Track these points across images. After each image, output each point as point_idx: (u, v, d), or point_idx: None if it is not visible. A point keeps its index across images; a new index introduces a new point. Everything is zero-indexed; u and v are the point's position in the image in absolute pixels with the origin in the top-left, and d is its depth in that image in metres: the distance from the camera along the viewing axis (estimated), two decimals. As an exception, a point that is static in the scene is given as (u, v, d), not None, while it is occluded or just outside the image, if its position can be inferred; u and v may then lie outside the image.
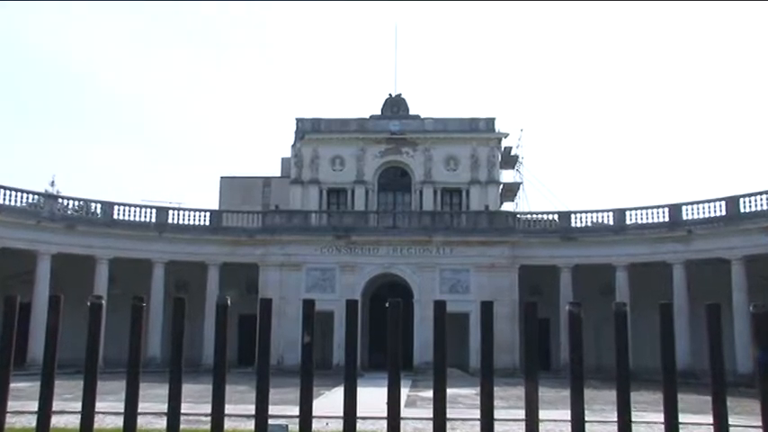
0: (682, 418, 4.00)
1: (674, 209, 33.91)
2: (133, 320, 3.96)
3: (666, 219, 33.98)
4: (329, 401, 15.26)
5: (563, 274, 34.97)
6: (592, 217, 36.57)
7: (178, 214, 36.62)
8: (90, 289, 30.89)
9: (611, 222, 35.76)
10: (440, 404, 3.85)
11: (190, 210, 37.18)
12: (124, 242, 34.18)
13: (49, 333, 3.88)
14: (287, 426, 9.21)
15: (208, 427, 4.42)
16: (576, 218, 36.43)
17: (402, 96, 44.87)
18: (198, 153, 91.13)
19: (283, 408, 12.92)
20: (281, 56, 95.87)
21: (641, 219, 34.89)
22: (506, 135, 43.13)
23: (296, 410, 4.25)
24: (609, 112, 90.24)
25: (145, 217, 35.68)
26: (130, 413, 3.91)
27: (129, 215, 35.31)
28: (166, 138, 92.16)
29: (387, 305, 3.93)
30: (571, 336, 3.88)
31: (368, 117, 43.74)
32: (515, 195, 46.69)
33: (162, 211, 36.40)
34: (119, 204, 35.36)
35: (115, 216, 34.94)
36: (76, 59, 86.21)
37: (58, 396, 4.11)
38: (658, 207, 34.52)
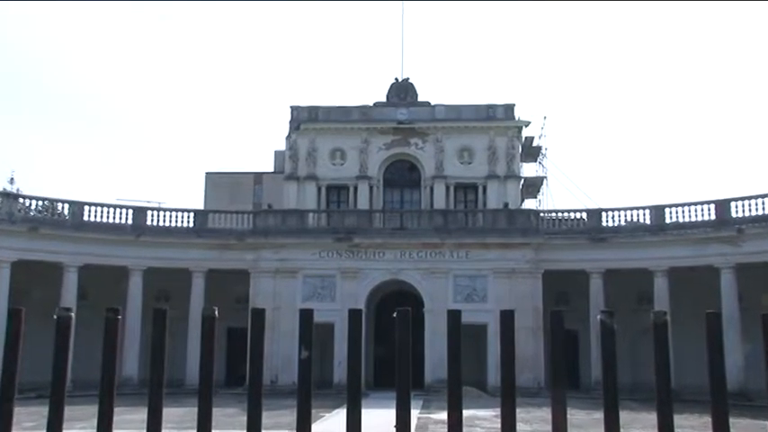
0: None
1: (722, 205, 33.66)
2: (107, 336, 3.95)
3: (713, 217, 33.78)
4: (330, 425, 15.25)
5: (593, 279, 34.91)
6: (626, 215, 36.48)
7: (158, 215, 36.72)
8: (57, 301, 30.85)
9: (649, 221, 35.65)
10: (455, 428, 3.83)
11: (171, 210, 37.27)
12: (96, 247, 34.23)
13: (7, 350, 3.86)
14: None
15: (191, 456, 4.41)
16: (607, 216, 36.36)
17: (410, 81, 44.85)
18: (180, 147, 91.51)
19: (277, 434, 12.91)
20: (274, 38, 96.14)
21: (683, 217, 34.72)
22: (528, 123, 43.09)
23: (292, 437, 4.24)
24: (644, 96, 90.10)
25: (120, 218, 35.78)
26: (103, 441, 3.89)
27: (102, 217, 35.38)
28: (144, 131, 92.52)
29: (394, 315, 3.92)
30: (603, 350, 3.85)
31: (372, 104, 43.74)
32: (538, 191, 46.65)
33: (139, 212, 36.50)
34: (89, 204, 35.43)
35: (85, 218, 34.98)
36: (39, 44, 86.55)
37: (18, 425, 4.08)
38: (703, 203, 34.29)
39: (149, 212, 36.77)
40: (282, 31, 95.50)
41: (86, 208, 35.24)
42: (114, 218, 35.71)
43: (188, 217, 37.08)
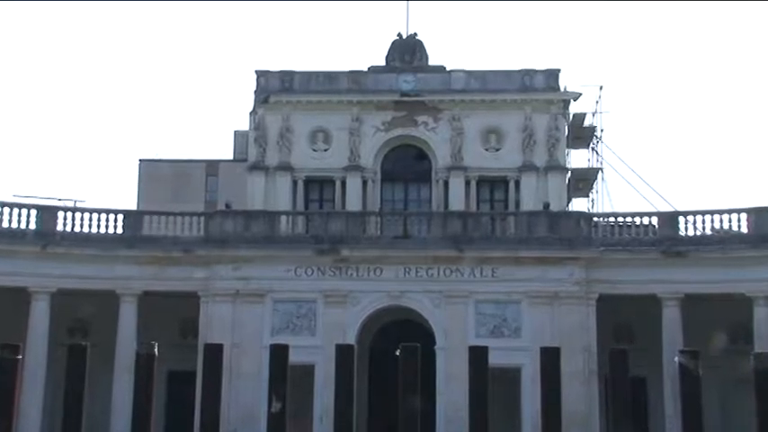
0: None
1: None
2: (2, 381, 3.94)
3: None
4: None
5: (667, 308, 34.82)
6: (713, 221, 36.43)
7: (73, 218, 36.61)
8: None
9: (745, 230, 35.63)
10: None
11: (92, 210, 37.18)
12: (-13, 261, 34.18)
13: None
14: None
15: None
16: (687, 222, 36.30)
17: (418, 38, 44.81)
18: (106, 126, 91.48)
19: None
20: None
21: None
22: (577, 96, 43.06)
23: None
24: (739, 62, 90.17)
25: (20, 222, 35.67)
26: None
27: (-5, 219, 35.30)
28: (57, 107, 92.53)
29: (397, 354, 3.91)
30: (684, 402, 3.84)
31: (366, 69, 43.71)
32: (591, 188, 46.67)
33: (48, 213, 36.42)
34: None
35: (-32, 221, 34.99)
36: None
37: None
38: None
39: (61, 214, 36.63)
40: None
41: (-30, 208, 35.29)
42: (11, 221, 35.59)
43: (115, 220, 36.92)
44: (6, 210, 35.96)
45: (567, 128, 42.94)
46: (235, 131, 48.36)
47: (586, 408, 32.83)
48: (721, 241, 35.70)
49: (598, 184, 46.26)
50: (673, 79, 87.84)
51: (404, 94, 42.34)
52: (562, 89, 42.72)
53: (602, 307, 34.99)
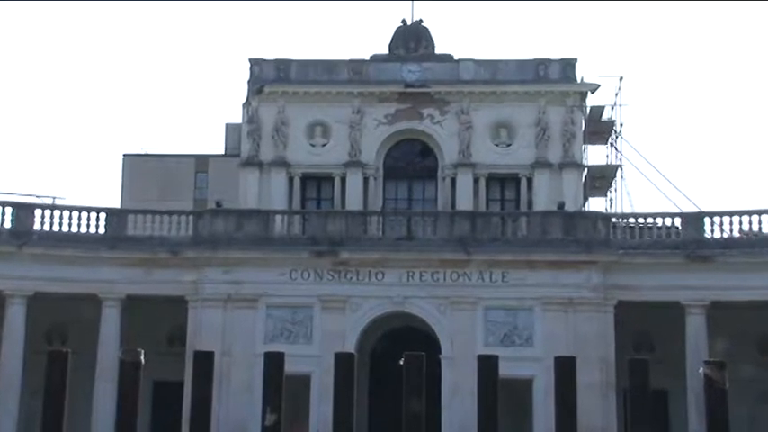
0: None
1: None
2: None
3: None
4: None
5: (692, 316, 34.82)
6: (740, 222, 36.43)
7: (52, 216, 36.65)
8: None
9: (776, 232, 35.60)
10: None
11: (72, 208, 37.20)
12: (-43, 263, 34.20)
13: None
14: None
15: None
16: (713, 224, 36.29)
17: (423, 25, 44.81)
18: (88, 119, 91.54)
19: None
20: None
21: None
22: (595, 88, 43.06)
23: None
24: (766, 52, 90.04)
25: (-6, 220, 35.75)
26: None
27: (-35, 217, 35.44)
28: (36, 99, 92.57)
29: (401, 363, 3.92)
30: (710, 417, 3.84)
31: (368, 58, 43.74)
32: (610, 186, 46.62)
33: (24, 211, 36.47)
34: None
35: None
36: None
37: None
38: None
39: (39, 212, 36.71)
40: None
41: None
42: (-15, 219, 35.70)
43: (97, 219, 36.97)
44: (-21, 207, 36.07)
45: (583, 122, 42.95)
46: (226, 124, 48.26)
47: (604, 423, 32.81)
48: (750, 244, 35.73)
49: (617, 183, 46.20)
50: (698, 69, 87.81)
51: (408, 84, 42.36)
52: (579, 80, 42.75)
53: (621, 315, 34.97)
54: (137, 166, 47.62)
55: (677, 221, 37.29)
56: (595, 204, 46.42)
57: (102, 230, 36.86)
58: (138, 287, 35.84)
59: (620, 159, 45.76)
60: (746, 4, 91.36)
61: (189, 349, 33.36)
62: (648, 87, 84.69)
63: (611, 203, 46.25)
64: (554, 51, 54.93)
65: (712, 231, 36.31)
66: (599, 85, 43.03)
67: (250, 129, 42.56)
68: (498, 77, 42.68)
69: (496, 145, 42.28)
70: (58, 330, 36.28)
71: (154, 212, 38.03)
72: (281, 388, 4.05)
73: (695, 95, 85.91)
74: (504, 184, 42.71)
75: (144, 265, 36.11)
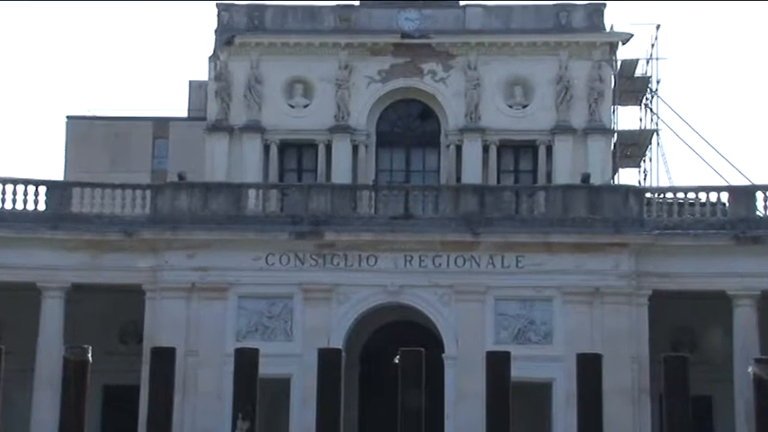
0: None
1: None
2: None
3: None
4: None
5: (740, 308, 35.00)
6: (798, 198, 36.58)
7: (-18, 190, 36.73)
8: None
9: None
10: None
11: (6, 181, 37.22)
12: None
13: None
14: None
15: None
16: (766, 199, 36.38)
17: (423, -37, 44.84)
18: (25, 76, 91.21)
19: None
20: None
21: None
22: (628, 38, 43.10)
23: None
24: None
25: None
26: None
27: None
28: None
29: (396, 361, 3.90)
30: (760, 422, 3.82)
31: (357, 3, 43.74)
32: (643, 155, 46.72)
33: (-50, 185, 36.49)
34: None
35: None
36: None
37: None
38: None
39: (-34, 186, 36.74)
40: None
41: None
42: None
43: (36, 194, 37.07)
44: None
45: (613, 79, 42.94)
46: (190, 82, 48.37)
47: (635, 430, 32.99)
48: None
49: (652, 151, 46.38)
50: (748, 17, 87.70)
51: (405, 34, 42.32)
52: (608, 29, 42.71)
53: (657, 307, 35.12)
54: (83, 131, 47.58)
55: (724, 197, 37.39)
56: (626, 176, 46.74)
57: (41, 207, 36.96)
58: (85, 274, 35.93)
59: (657, 123, 45.97)
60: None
61: (146, 347, 33.35)
62: (690, 38, 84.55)
63: (646, 175, 46.52)
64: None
65: (765, 209, 36.39)
66: (632, 35, 43.10)
67: (218, 87, 42.54)
68: (512, 26, 42.74)
69: (510, 106, 42.35)
70: (-8, 326, 36.31)
71: (104, 186, 38.09)
72: (254, 391, 4.02)
73: (745, 47, 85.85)
74: (518, 152, 42.86)
75: (92, 249, 36.14)
